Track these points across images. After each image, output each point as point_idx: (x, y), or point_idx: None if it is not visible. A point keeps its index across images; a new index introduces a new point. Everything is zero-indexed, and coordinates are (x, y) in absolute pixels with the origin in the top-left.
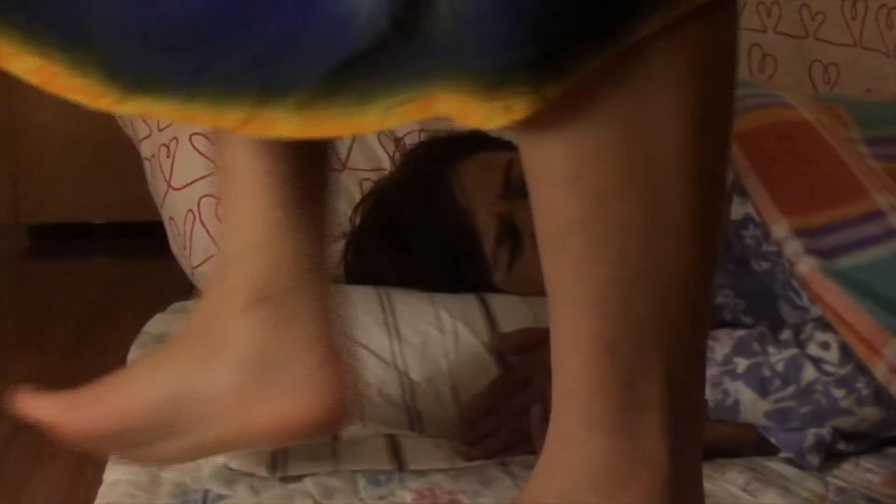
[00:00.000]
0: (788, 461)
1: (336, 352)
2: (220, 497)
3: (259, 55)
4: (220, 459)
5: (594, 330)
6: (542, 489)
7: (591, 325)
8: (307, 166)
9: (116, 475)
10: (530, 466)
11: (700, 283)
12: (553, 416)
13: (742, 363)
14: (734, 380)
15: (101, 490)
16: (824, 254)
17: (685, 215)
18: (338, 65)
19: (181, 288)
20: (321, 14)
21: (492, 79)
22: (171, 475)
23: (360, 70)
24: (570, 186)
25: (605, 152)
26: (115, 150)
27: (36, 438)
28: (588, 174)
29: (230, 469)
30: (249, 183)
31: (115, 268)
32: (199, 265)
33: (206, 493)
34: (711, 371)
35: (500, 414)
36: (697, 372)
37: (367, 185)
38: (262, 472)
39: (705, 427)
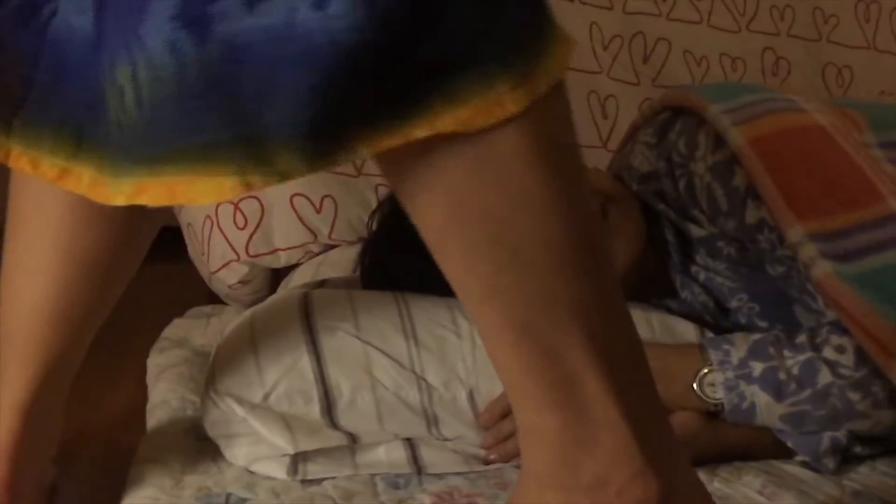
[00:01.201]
0: (804, 464)
1: None
2: (242, 500)
3: (68, 108)
4: (241, 464)
5: (503, 319)
6: (526, 483)
7: (498, 315)
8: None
9: (141, 478)
10: None
11: (584, 244)
12: (513, 412)
13: (758, 367)
14: (750, 383)
15: (127, 493)
16: (839, 258)
17: (540, 187)
18: (92, 138)
19: (199, 293)
20: (86, 90)
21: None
22: (193, 479)
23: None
24: (429, 194)
25: (449, 154)
26: None
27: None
28: (440, 178)
29: (252, 473)
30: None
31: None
32: (216, 271)
33: (227, 496)
34: (727, 374)
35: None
36: (622, 330)
37: (383, 191)
38: (282, 475)
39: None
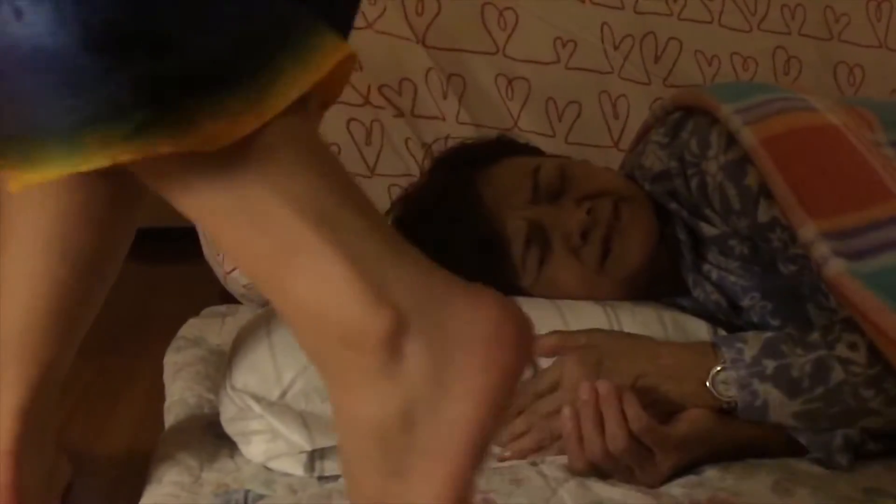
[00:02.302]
0: (818, 461)
1: None
2: (260, 497)
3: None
4: (258, 461)
5: (238, 241)
6: (325, 381)
7: (240, 240)
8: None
9: (159, 476)
10: (561, 466)
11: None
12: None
13: (770, 365)
14: (763, 381)
15: (146, 491)
16: (851, 256)
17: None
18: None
19: (213, 293)
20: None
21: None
22: (212, 476)
23: None
24: (170, 186)
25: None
26: None
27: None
28: (189, 174)
29: (269, 470)
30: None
31: (147, 273)
32: (231, 271)
33: (246, 493)
34: (740, 372)
35: (531, 415)
36: (330, 183)
37: (396, 191)
38: (299, 472)
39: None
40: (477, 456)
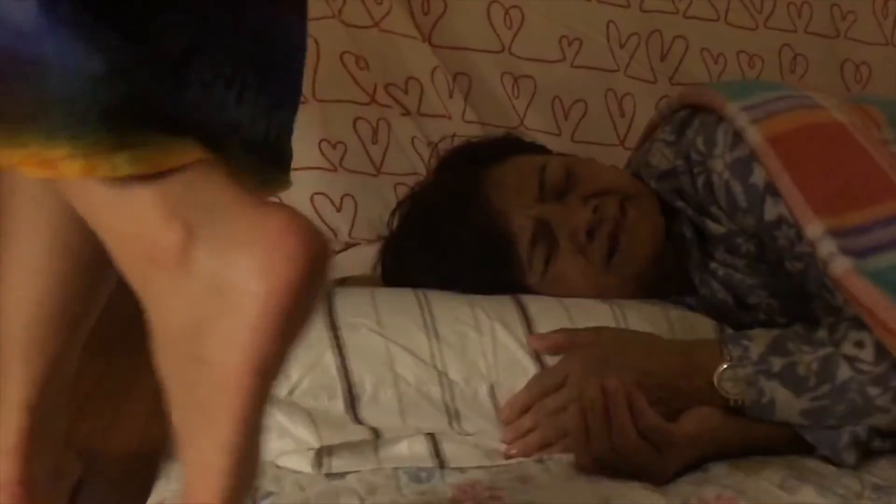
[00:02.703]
0: (825, 459)
1: None
2: (269, 493)
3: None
4: (268, 458)
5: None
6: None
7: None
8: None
9: (168, 473)
10: (568, 464)
11: None
12: None
13: (777, 362)
14: (769, 379)
15: (156, 487)
16: (858, 254)
17: None
18: None
19: None
20: None
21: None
22: None
23: None
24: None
25: None
26: None
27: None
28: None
29: (277, 467)
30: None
31: None
32: None
33: (254, 490)
34: (746, 370)
35: (537, 413)
36: None
37: (402, 190)
38: (307, 469)
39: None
40: (259, 369)
